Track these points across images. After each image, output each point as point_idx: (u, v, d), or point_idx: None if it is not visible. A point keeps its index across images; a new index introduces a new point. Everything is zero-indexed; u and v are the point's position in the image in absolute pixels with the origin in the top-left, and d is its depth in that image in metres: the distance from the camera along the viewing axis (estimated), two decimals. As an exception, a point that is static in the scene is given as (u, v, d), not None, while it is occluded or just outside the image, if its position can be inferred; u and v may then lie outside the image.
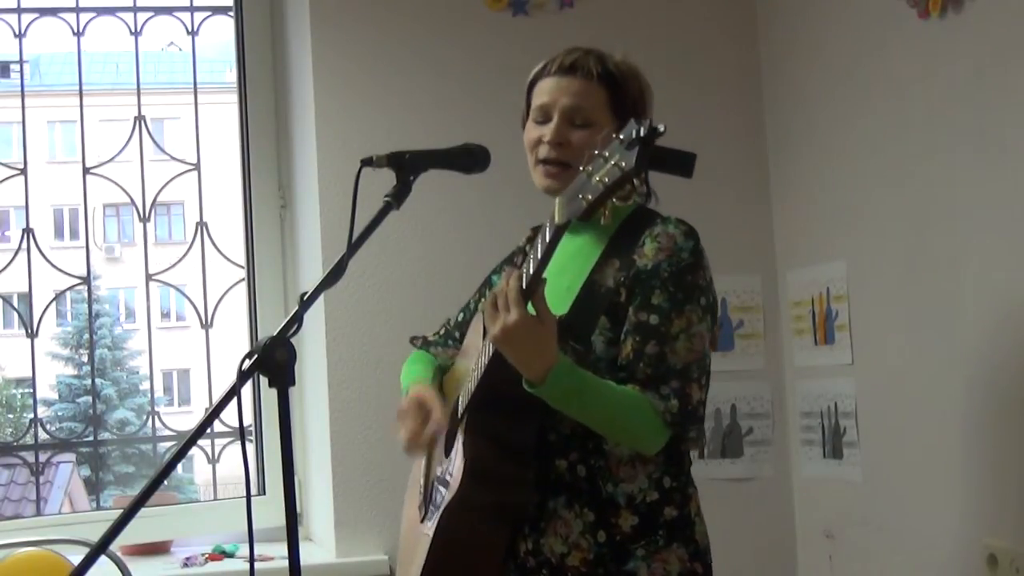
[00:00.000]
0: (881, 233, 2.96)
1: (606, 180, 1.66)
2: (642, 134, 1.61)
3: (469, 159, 2.08)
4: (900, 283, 2.89)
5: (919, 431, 2.83)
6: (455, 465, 2.03)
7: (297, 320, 1.77)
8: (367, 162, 1.98)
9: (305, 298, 1.81)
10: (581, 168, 1.72)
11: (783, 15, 3.39)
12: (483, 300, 2.37)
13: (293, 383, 1.74)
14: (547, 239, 1.83)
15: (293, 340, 1.75)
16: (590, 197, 1.69)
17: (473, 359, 2.12)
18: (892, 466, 2.95)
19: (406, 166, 1.98)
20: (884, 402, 2.98)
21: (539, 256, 1.85)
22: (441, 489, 2.10)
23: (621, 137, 1.65)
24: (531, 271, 1.87)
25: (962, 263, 2.66)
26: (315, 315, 3.22)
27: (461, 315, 2.42)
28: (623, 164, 1.63)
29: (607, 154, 1.67)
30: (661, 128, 1.62)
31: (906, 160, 2.86)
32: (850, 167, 3.08)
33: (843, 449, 3.13)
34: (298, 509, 3.30)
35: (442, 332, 2.45)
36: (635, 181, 1.66)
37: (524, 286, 1.88)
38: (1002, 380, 2.57)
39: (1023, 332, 2.51)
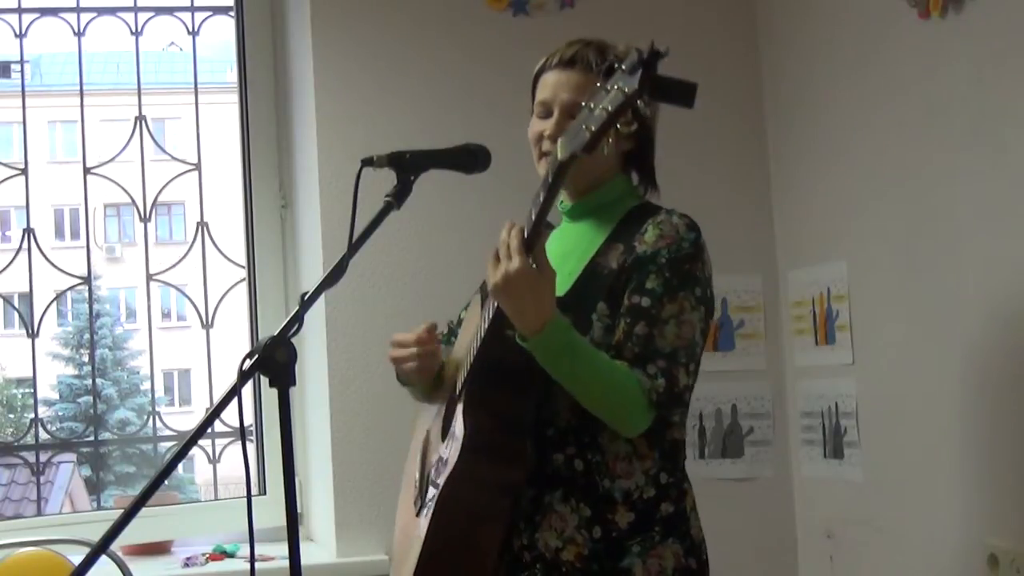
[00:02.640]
0: (882, 233, 2.96)
1: (608, 107, 1.65)
2: (644, 56, 1.60)
3: (470, 159, 2.08)
4: (901, 283, 2.89)
5: (920, 431, 2.83)
6: (455, 437, 2.02)
7: (298, 320, 1.77)
8: (368, 162, 1.98)
9: (306, 298, 1.82)
10: (583, 104, 1.72)
11: (783, 15, 3.39)
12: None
13: (294, 383, 1.74)
14: (549, 179, 1.83)
15: (294, 340, 1.75)
16: (592, 127, 1.68)
17: (470, 333, 2.13)
18: (893, 466, 2.95)
19: (407, 166, 1.99)
20: (885, 402, 2.98)
21: (541, 200, 1.85)
22: (439, 470, 2.09)
23: (623, 67, 1.64)
24: (532, 220, 1.88)
25: (962, 263, 2.66)
26: (316, 315, 3.22)
27: (463, 312, 2.42)
28: (626, 89, 1.62)
29: (608, 85, 1.66)
30: (663, 49, 1.60)
31: (906, 160, 2.86)
32: (851, 167, 3.08)
33: (844, 449, 3.13)
34: (299, 509, 3.30)
35: (445, 331, 2.45)
36: (639, 103, 1.65)
37: (526, 236, 1.89)
38: (1003, 379, 2.57)
39: (1023, 331, 2.51)
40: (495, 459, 2.00)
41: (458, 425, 2.02)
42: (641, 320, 2.00)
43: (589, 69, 2.12)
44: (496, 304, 1.96)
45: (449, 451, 2.04)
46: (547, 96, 2.14)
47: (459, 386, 2.10)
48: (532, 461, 2.02)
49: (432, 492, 2.10)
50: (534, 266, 1.89)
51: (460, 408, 2.04)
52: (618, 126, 1.68)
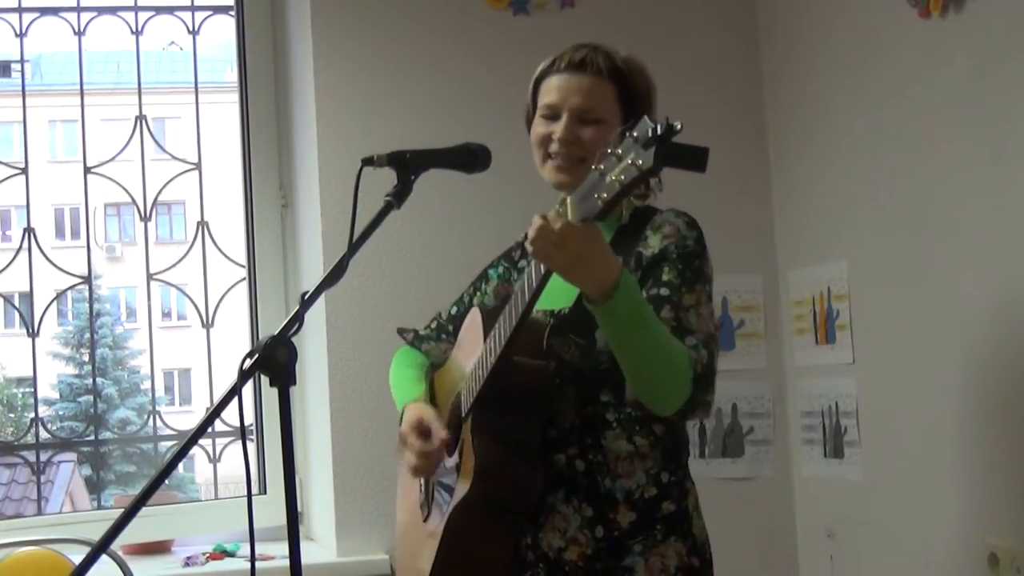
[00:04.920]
0: (882, 233, 2.96)
1: (622, 179, 1.63)
2: (659, 132, 1.58)
3: (470, 158, 2.08)
4: (901, 283, 2.89)
5: (920, 430, 2.83)
6: (464, 465, 2.03)
7: (298, 319, 1.77)
8: (368, 161, 1.97)
9: (306, 297, 1.81)
10: (592, 167, 1.70)
11: (784, 15, 3.39)
12: (478, 294, 2.36)
13: (294, 382, 1.74)
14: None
15: (294, 339, 1.75)
16: (605, 196, 1.66)
17: (471, 356, 2.12)
18: (893, 465, 2.95)
19: (407, 165, 1.98)
20: (885, 401, 2.98)
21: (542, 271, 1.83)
22: (446, 488, 2.10)
23: (635, 135, 1.62)
24: (535, 284, 1.87)
25: (963, 262, 2.66)
26: (316, 314, 3.22)
27: (455, 308, 2.41)
28: (640, 163, 1.61)
29: (620, 152, 1.65)
30: (678, 126, 1.59)
31: (907, 160, 2.86)
32: (851, 166, 3.09)
33: (844, 448, 3.13)
34: (299, 508, 3.31)
35: (434, 326, 2.44)
36: (652, 179, 1.65)
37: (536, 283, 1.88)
38: (1003, 379, 2.57)
39: (1023, 331, 2.51)
40: (505, 486, 2.00)
41: (468, 450, 2.02)
42: (665, 305, 1.98)
43: (599, 73, 2.11)
44: (505, 330, 1.94)
45: (459, 472, 2.05)
46: (555, 99, 2.13)
47: (465, 408, 2.09)
48: (542, 484, 2.02)
49: (441, 504, 2.11)
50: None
51: (468, 434, 2.04)
52: (632, 198, 1.68)
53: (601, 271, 1.82)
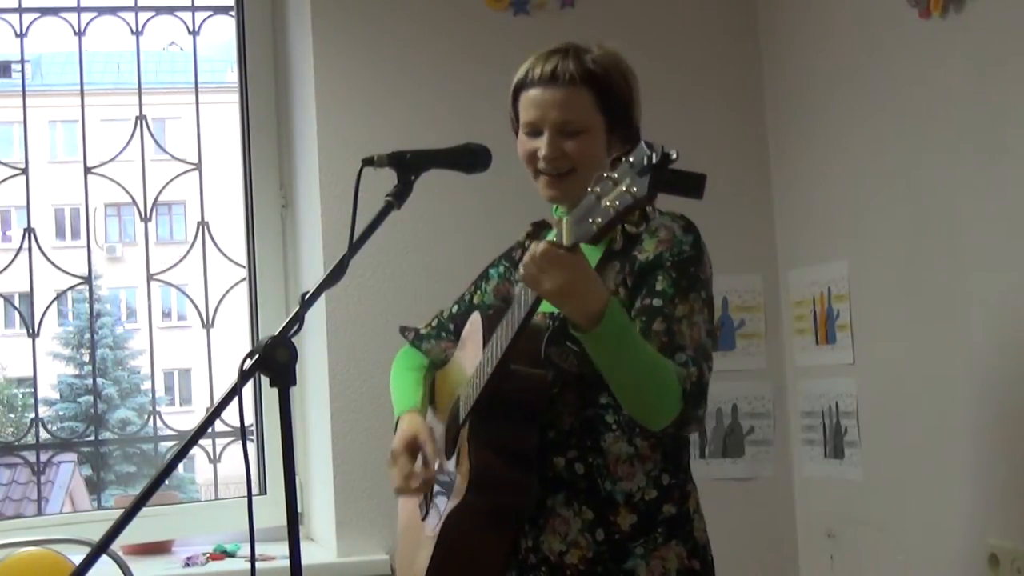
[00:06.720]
0: (882, 233, 2.96)
1: (617, 205, 1.62)
2: (655, 161, 1.56)
3: (470, 159, 2.08)
4: (901, 283, 2.89)
5: (920, 431, 2.83)
6: (460, 471, 2.03)
7: (298, 320, 1.77)
8: (368, 162, 1.97)
9: (306, 298, 1.81)
10: (589, 189, 1.68)
11: (784, 15, 3.39)
12: (478, 293, 2.36)
13: (294, 383, 1.74)
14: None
15: (294, 340, 1.75)
16: (600, 220, 1.65)
17: (471, 360, 2.12)
18: (893, 466, 2.95)
19: (407, 166, 1.98)
20: (885, 402, 2.98)
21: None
22: (443, 491, 2.10)
23: (631, 160, 1.60)
24: (529, 301, 1.87)
25: (963, 263, 2.66)
26: (316, 315, 3.22)
27: (456, 307, 2.40)
28: (634, 190, 1.59)
29: (616, 176, 1.63)
30: (674, 155, 1.57)
31: (907, 160, 2.86)
32: (851, 167, 3.09)
33: (844, 449, 3.13)
34: (299, 509, 3.29)
35: (435, 324, 2.43)
36: (647, 207, 1.63)
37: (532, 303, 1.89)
38: (1003, 379, 2.57)
39: (1023, 331, 2.51)
40: (500, 493, 2.01)
41: (464, 457, 2.02)
42: (657, 317, 1.98)
43: (572, 82, 2.08)
44: (503, 341, 1.94)
45: (455, 477, 2.05)
46: (534, 117, 2.10)
47: (463, 413, 2.09)
48: (537, 491, 2.02)
49: (438, 506, 2.11)
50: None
51: (465, 440, 2.04)
52: (625, 225, 1.67)
53: (586, 301, 1.83)
